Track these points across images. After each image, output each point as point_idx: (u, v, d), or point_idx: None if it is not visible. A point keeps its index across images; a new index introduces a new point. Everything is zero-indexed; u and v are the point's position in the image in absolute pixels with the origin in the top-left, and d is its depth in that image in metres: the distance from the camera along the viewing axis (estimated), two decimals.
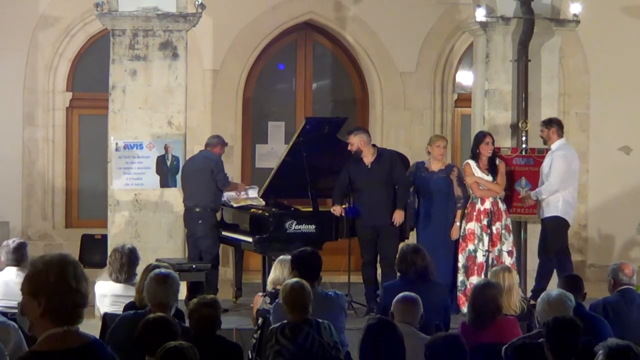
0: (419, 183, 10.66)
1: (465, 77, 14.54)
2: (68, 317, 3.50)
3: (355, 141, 10.51)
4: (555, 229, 10.86)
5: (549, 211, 10.86)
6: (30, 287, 3.55)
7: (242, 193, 11.24)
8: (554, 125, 11.06)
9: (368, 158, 10.53)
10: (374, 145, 10.73)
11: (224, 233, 11.02)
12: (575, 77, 14.41)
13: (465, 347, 5.58)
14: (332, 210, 10.55)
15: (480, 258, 10.39)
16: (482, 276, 10.22)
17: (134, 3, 11.05)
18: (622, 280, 7.75)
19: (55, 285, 3.48)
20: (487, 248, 10.38)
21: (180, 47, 11.13)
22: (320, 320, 6.51)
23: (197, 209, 10.66)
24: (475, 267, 10.39)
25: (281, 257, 8.48)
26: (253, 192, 11.32)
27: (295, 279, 6.75)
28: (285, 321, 6.54)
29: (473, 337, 6.46)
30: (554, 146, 10.97)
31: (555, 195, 10.83)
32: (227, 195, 11.13)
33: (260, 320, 7.76)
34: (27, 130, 13.66)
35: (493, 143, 10.72)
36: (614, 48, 14.15)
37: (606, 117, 14.29)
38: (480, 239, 10.40)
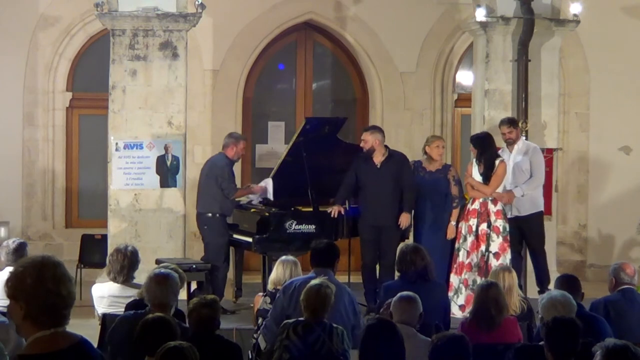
0: (417, 182, 10.61)
1: (465, 77, 14.55)
2: (50, 319, 3.46)
3: (370, 139, 10.46)
4: (540, 224, 10.94)
5: (533, 207, 10.92)
6: (10, 290, 3.51)
7: (257, 197, 11.01)
8: (518, 124, 11.12)
9: (378, 158, 10.47)
10: (385, 146, 10.68)
11: None
12: (575, 77, 14.41)
13: (470, 348, 5.56)
14: (330, 209, 10.51)
15: (461, 257, 10.37)
16: (462, 275, 10.25)
17: (134, 3, 11.05)
18: (623, 280, 7.74)
19: (32, 289, 3.44)
20: (467, 248, 10.35)
21: (180, 47, 11.14)
22: (335, 326, 6.53)
23: (204, 214, 10.62)
24: (455, 266, 10.39)
25: (283, 257, 8.49)
26: (269, 187, 10.98)
27: (319, 281, 6.76)
28: (301, 319, 6.58)
29: (473, 337, 6.46)
30: (520, 144, 10.98)
31: (538, 191, 10.92)
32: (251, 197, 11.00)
33: (260, 320, 7.77)
34: (27, 130, 13.66)
35: (477, 146, 10.59)
36: (614, 48, 14.15)
37: (606, 117, 14.29)
38: (465, 239, 10.39)
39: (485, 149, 10.54)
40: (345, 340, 6.55)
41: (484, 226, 10.34)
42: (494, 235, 10.32)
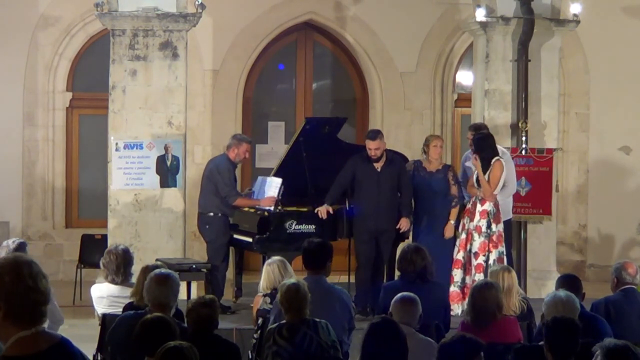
0: (417, 182, 10.58)
1: (465, 77, 14.55)
2: (31, 317, 3.45)
3: (382, 146, 10.27)
4: (509, 231, 10.83)
5: (504, 215, 10.73)
6: None
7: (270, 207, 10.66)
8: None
9: (380, 162, 10.35)
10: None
11: None
12: (575, 77, 14.42)
13: (482, 352, 5.42)
14: (317, 210, 10.39)
15: (456, 255, 10.36)
16: (452, 274, 10.25)
17: (134, 3, 11.05)
18: (625, 280, 7.74)
19: (11, 287, 3.42)
20: (457, 246, 10.35)
21: (180, 47, 11.13)
22: (317, 320, 6.51)
23: (205, 214, 10.62)
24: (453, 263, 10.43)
25: (268, 260, 8.36)
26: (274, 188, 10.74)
27: (292, 280, 6.75)
28: (283, 321, 6.55)
29: None
30: None
31: (509, 199, 10.79)
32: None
33: (260, 321, 7.76)
34: (27, 130, 13.67)
35: (473, 145, 10.51)
36: (614, 48, 14.16)
37: (606, 117, 14.29)
38: (459, 237, 10.41)
39: (482, 148, 10.47)
40: (331, 331, 6.53)
41: (470, 225, 10.33)
42: (475, 235, 10.27)
